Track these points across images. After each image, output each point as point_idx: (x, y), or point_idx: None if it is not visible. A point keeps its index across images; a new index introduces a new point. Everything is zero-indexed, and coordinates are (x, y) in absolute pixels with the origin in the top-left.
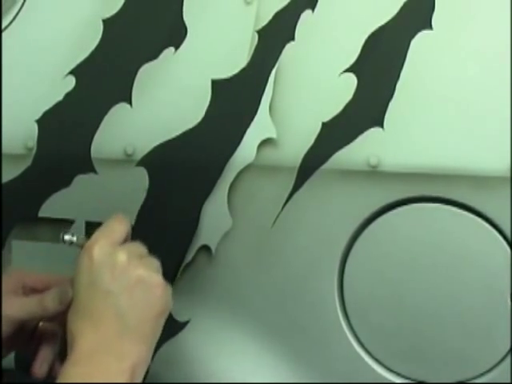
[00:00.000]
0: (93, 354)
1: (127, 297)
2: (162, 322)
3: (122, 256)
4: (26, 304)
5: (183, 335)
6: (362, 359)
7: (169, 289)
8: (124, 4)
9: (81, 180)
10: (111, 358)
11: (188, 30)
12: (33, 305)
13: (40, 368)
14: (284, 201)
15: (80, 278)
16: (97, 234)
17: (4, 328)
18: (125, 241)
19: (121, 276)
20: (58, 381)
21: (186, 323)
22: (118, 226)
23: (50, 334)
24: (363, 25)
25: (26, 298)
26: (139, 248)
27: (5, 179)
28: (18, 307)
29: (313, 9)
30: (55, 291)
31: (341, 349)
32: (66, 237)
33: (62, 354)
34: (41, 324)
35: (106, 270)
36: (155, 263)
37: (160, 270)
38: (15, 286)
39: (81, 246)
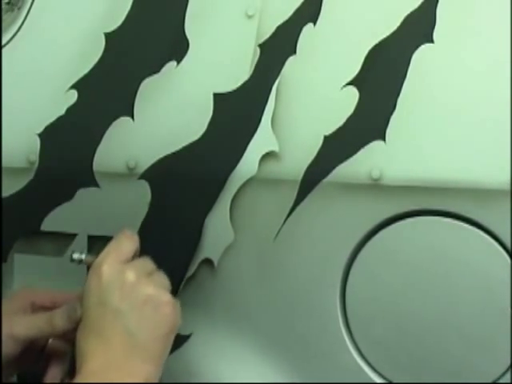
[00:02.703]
0: (102, 372)
1: (136, 316)
2: (171, 339)
3: (130, 274)
4: (34, 322)
5: (186, 348)
6: (364, 371)
7: (177, 306)
8: (126, 18)
9: (83, 194)
10: (121, 375)
11: (190, 43)
12: (41, 323)
13: None
14: (286, 214)
15: (89, 296)
16: (105, 252)
17: (13, 347)
18: (134, 256)
19: (130, 295)
20: None
21: (188, 336)
22: (127, 243)
23: (59, 352)
24: (365, 38)
25: (35, 316)
26: (148, 264)
27: (7, 193)
28: (26, 325)
29: (314, 23)
30: (64, 309)
31: (342, 361)
32: (75, 255)
33: (72, 372)
34: (50, 341)
35: (114, 289)
36: (164, 280)
37: (169, 286)
38: (24, 304)
39: (89, 264)
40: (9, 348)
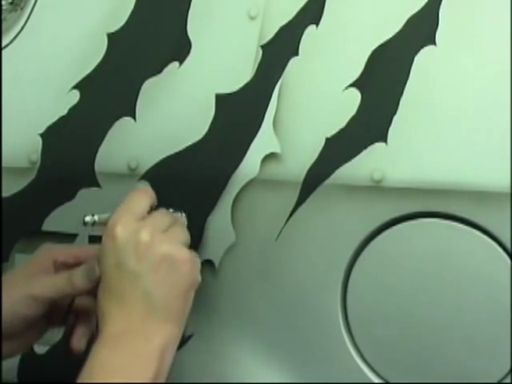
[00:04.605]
0: (121, 335)
1: (153, 276)
2: (191, 297)
3: (145, 234)
4: (54, 282)
5: (187, 349)
6: (364, 373)
7: (196, 261)
8: (129, 18)
9: (84, 194)
10: (139, 339)
11: (192, 44)
12: (61, 283)
13: (78, 343)
14: (287, 215)
15: (105, 258)
16: (119, 211)
17: (36, 307)
18: (151, 209)
19: (145, 255)
20: (88, 361)
21: (189, 337)
22: (141, 198)
23: (85, 310)
24: (367, 40)
25: (55, 277)
26: (165, 218)
27: (9, 193)
28: (46, 286)
29: (317, 24)
30: (83, 269)
31: (343, 362)
32: (87, 218)
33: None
34: (76, 300)
35: (130, 251)
36: (181, 234)
37: (188, 240)
38: (46, 263)
39: (104, 224)
40: (31, 309)
